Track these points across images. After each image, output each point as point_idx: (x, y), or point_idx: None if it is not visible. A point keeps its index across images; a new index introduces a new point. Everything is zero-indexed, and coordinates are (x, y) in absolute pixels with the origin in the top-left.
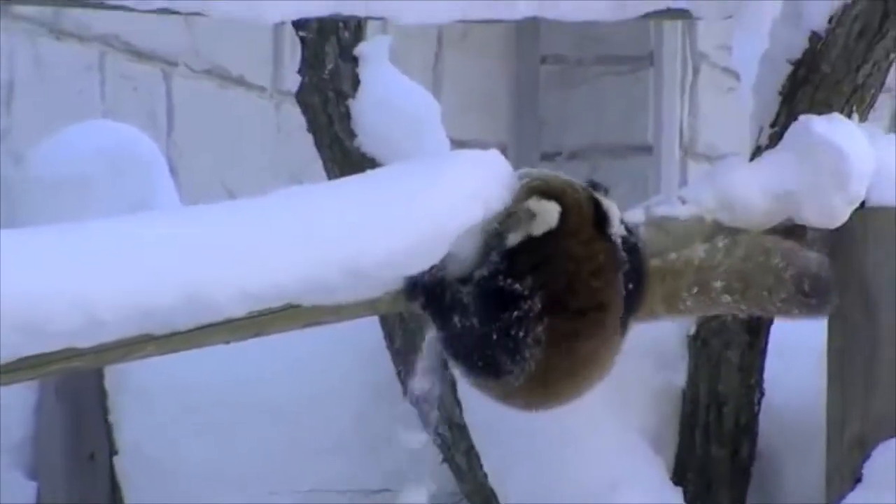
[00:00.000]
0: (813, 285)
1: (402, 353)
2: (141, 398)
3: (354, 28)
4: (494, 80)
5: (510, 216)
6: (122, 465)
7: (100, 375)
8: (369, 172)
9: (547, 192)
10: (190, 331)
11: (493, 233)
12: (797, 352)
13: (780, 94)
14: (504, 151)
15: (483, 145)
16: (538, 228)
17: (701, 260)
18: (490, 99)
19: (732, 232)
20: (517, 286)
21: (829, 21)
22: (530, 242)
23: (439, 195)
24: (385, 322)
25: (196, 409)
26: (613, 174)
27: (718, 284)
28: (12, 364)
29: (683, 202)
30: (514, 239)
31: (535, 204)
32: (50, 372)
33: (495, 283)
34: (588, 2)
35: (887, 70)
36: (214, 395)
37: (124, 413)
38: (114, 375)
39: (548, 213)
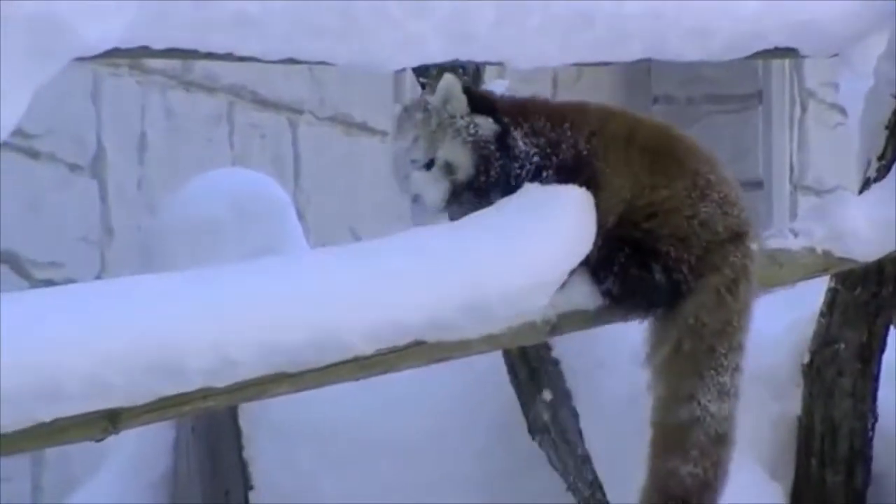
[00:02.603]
0: None
1: (526, 387)
2: (275, 435)
3: (473, 73)
4: None
5: None
6: (257, 501)
7: (234, 413)
8: (482, 212)
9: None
10: (320, 369)
11: None
12: None
13: (886, 127)
14: None
15: None
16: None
17: None
18: None
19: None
20: None
21: None
22: None
23: (552, 234)
24: (508, 357)
25: (329, 445)
26: None
27: None
28: (151, 404)
29: (795, 235)
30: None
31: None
32: (187, 411)
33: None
34: (699, 42)
35: None
36: (347, 431)
37: (259, 449)
38: (248, 413)
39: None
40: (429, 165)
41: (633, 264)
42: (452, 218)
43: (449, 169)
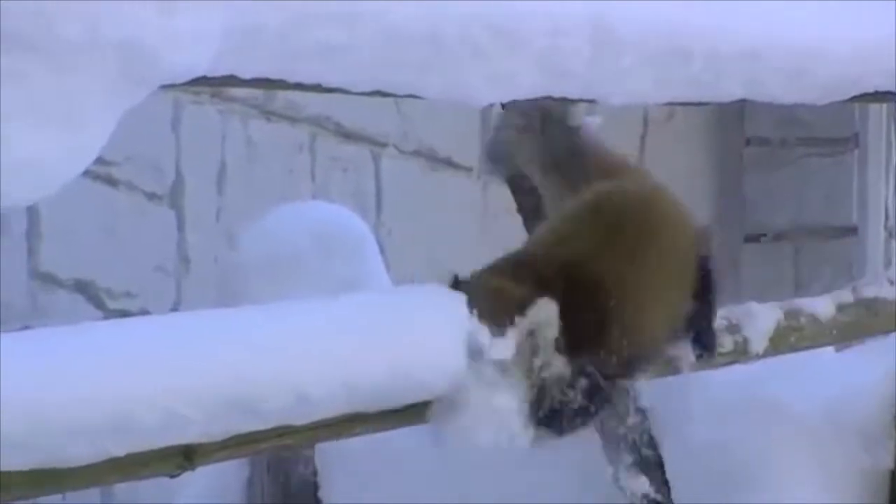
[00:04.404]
0: None
1: (611, 436)
2: (352, 478)
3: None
4: (698, 161)
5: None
6: None
7: (310, 452)
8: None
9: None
10: (399, 409)
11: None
12: None
13: None
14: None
15: None
16: (552, 328)
17: None
18: (694, 180)
19: None
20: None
21: None
22: None
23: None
24: None
25: (408, 488)
26: (817, 256)
27: None
28: (227, 441)
29: (891, 283)
30: (561, 364)
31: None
32: (263, 449)
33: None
34: (797, 85)
35: None
36: (425, 475)
37: (335, 492)
38: (325, 453)
39: (545, 311)
40: None
41: None
42: None
43: None
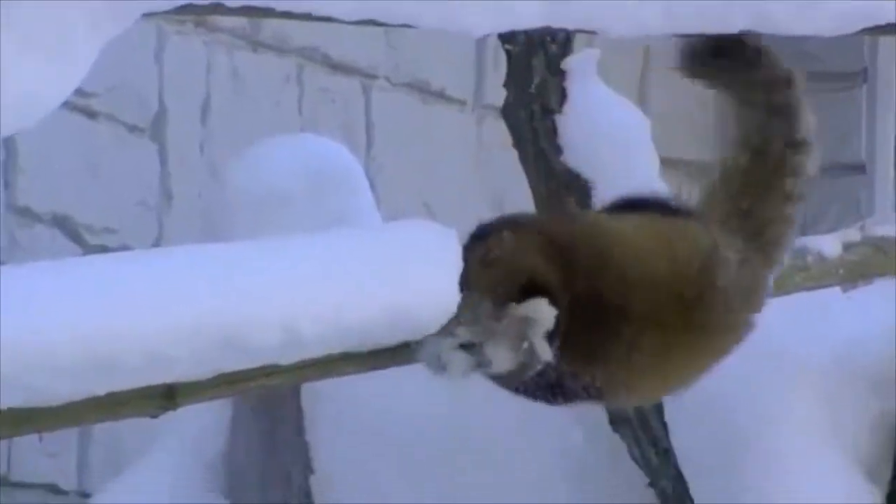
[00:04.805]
0: None
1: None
2: (338, 423)
3: (562, 41)
4: (702, 97)
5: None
6: (318, 486)
7: (297, 393)
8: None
9: (532, 285)
10: (392, 349)
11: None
12: None
13: None
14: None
15: (690, 163)
16: (535, 334)
17: None
18: (697, 117)
19: None
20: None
21: None
22: None
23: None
24: None
25: (395, 434)
26: (825, 193)
27: None
28: (212, 380)
29: None
30: (544, 350)
31: (525, 310)
32: (249, 389)
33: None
34: (806, 16)
35: None
36: (415, 428)
37: (321, 435)
38: (311, 395)
39: (545, 318)
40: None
41: None
42: None
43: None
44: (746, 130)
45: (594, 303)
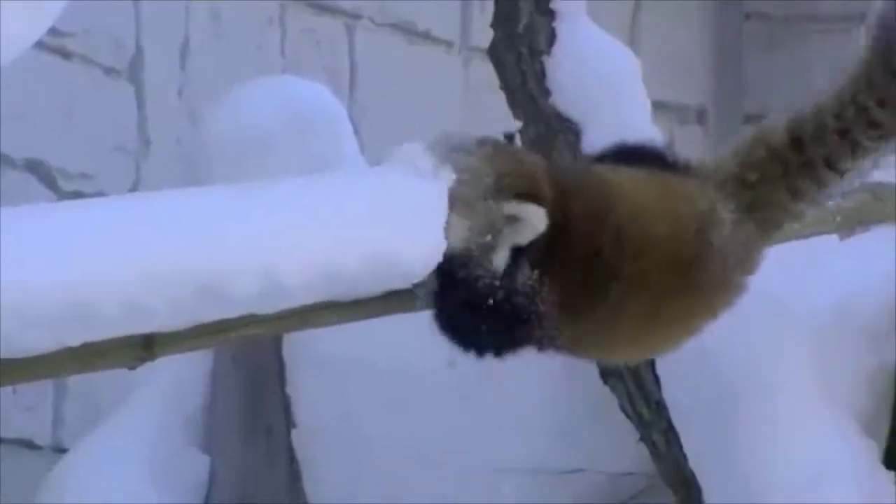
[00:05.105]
0: None
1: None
2: (321, 370)
3: None
4: (695, 38)
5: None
6: (300, 440)
7: (278, 345)
8: None
9: (521, 189)
10: (375, 298)
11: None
12: None
13: None
14: (704, 114)
15: (682, 107)
16: (524, 237)
17: None
18: (690, 59)
19: None
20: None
21: None
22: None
23: None
24: None
25: (379, 383)
26: None
27: None
28: (191, 330)
29: None
30: (501, 259)
31: (517, 209)
32: (229, 339)
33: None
34: None
35: None
36: (397, 371)
37: (302, 386)
38: (292, 346)
39: (535, 218)
40: None
41: None
42: None
43: None
44: (819, 118)
45: (585, 255)
